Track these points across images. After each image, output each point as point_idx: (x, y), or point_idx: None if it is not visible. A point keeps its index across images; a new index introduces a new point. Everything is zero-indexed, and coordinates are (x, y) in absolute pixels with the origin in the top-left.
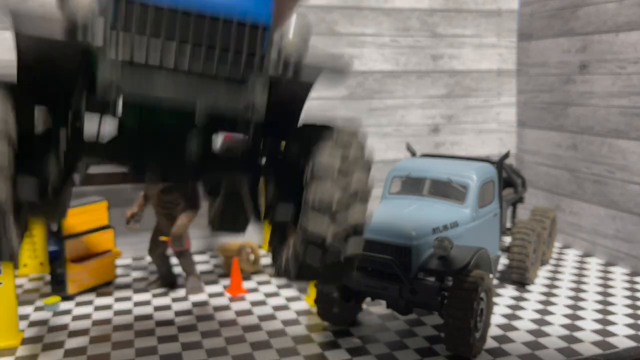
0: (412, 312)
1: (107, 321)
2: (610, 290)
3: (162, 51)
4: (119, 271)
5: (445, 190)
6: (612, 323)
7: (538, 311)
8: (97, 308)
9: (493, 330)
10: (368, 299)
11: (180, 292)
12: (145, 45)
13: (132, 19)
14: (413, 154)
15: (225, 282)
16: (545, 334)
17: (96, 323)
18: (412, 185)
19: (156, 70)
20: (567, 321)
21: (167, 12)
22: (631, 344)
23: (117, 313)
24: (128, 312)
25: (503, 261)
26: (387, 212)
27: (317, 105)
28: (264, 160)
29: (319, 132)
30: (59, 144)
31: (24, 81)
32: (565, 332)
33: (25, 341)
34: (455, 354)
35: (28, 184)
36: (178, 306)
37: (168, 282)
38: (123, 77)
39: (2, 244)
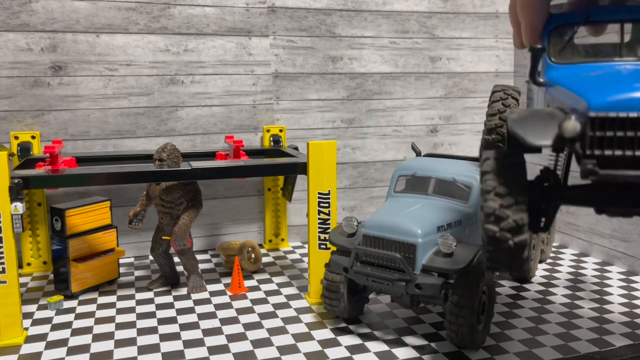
0: (416, 306)
1: (110, 319)
2: (606, 289)
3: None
4: (121, 270)
5: (449, 189)
6: (608, 321)
7: (535, 309)
8: (100, 306)
9: (491, 328)
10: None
11: (182, 291)
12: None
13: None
14: (418, 153)
15: (227, 280)
16: (542, 332)
17: (99, 321)
18: (417, 184)
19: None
20: (564, 319)
21: None
22: (627, 342)
23: (120, 311)
24: (131, 310)
25: None
26: (393, 210)
27: (317, 106)
28: None
29: None
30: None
31: (522, 161)
32: (561, 329)
33: (29, 339)
34: (455, 350)
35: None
36: (180, 304)
37: (170, 280)
38: (598, 164)
39: (521, 265)
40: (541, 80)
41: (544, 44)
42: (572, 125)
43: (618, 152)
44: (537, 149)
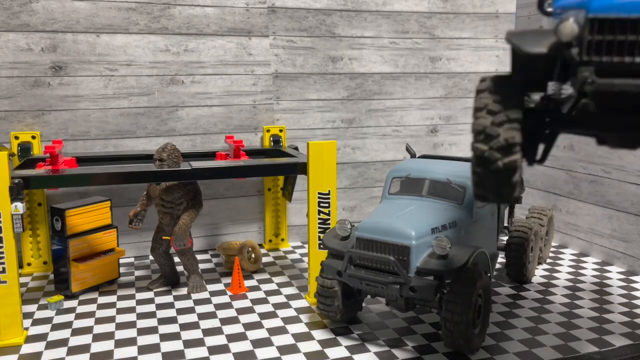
0: (411, 309)
1: (110, 319)
2: (606, 289)
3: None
4: (122, 270)
5: (444, 190)
6: (608, 321)
7: (535, 309)
8: (100, 306)
9: (490, 328)
10: (367, 297)
11: (182, 291)
12: (617, 48)
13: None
14: (412, 155)
15: (227, 280)
16: (542, 332)
17: (99, 321)
18: (411, 186)
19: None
20: (564, 319)
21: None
22: (627, 342)
23: (120, 311)
24: (131, 310)
25: (501, 260)
26: (387, 212)
27: (317, 106)
28: None
29: None
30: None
31: (519, 79)
32: (561, 330)
33: (29, 339)
34: (454, 351)
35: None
36: (180, 304)
37: (170, 280)
38: (595, 73)
39: (511, 192)
40: (549, 10)
41: None
42: (570, 26)
43: (617, 59)
44: (535, 59)
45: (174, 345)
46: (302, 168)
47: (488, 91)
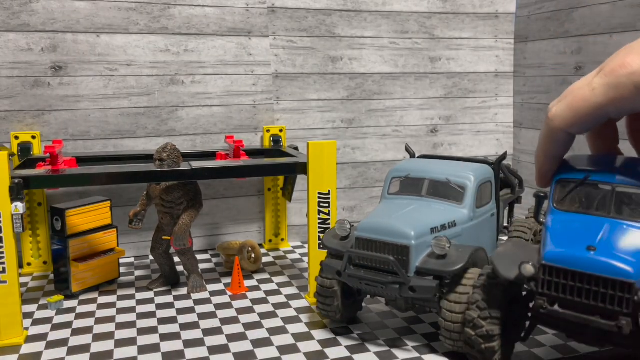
0: (411, 309)
1: (110, 319)
2: None
3: None
4: (122, 270)
5: (443, 190)
6: None
7: None
8: (100, 306)
9: None
10: (367, 297)
11: (182, 290)
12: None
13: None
14: (412, 155)
15: (227, 280)
16: (542, 332)
17: (99, 321)
18: (411, 186)
19: None
20: None
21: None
22: None
23: (120, 311)
24: (131, 310)
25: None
26: (386, 212)
27: (317, 106)
28: None
29: None
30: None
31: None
32: None
33: (29, 339)
34: (452, 350)
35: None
36: (180, 304)
37: (170, 280)
38: (548, 302)
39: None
40: (542, 220)
41: (551, 190)
42: (529, 269)
43: (562, 295)
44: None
45: (174, 345)
46: (302, 168)
47: (481, 289)
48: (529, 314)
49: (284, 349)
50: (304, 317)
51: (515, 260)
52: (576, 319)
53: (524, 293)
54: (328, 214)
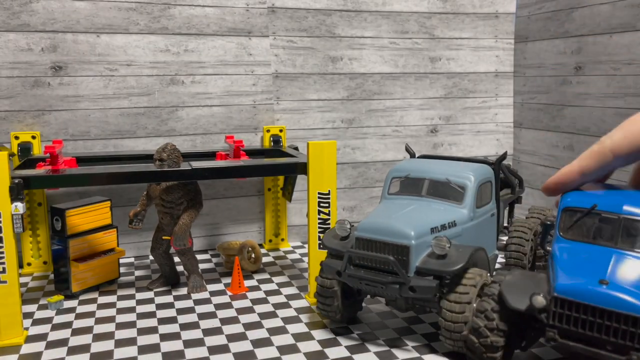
0: (410, 309)
1: (110, 319)
2: None
3: None
4: (122, 270)
5: (443, 190)
6: None
7: None
8: (101, 306)
9: None
10: (367, 297)
11: (182, 290)
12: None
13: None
14: (412, 155)
15: (227, 280)
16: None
17: (99, 321)
18: (411, 186)
19: None
20: None
21: None
22: None
23: (120, 311)
24: (131, 310)
25: (501, 260)
26: (387, 212)
27: (317, 106)
28: None
29: None
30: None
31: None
32: None
33: (29, 339)
34: (452, 350)
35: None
36: (180, 304)
37: (170, 280)
38: (558, 334)
39: None
40: (548, 248)
41: (557, 218)
42: (540, 300)
43: (573, 328)
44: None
45: (174, 345)
46: (302, 168)
47: (491, 298)
48: (535, 327)
49: (284, 349)
50: (304, 317)
51: (525, 291)
52: (586, 352)
53: None
54: (328, 214)
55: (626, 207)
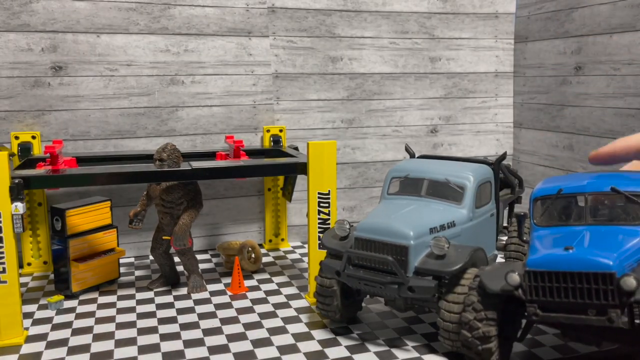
0: (410, 309)
1: (110, 319)
2: None
3: None
4: (122, 270)
5: (443, 190)
6: None
7: None
8: (101, 306)
9: None
10: (367, 297)
11: (182, 290)
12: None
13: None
14: (411, 155)
15: (227, 280)
16: (542, 332)
17: (99, 321)
18: (410, 186)
19: None
20: None
21: None
22: None
23: (120, 311)
24: (131, 309)
25: (500, 260)
26: (386, 212)
27: (317, 106)
28: None
29: None
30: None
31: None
32: None
33: (29, 339)
34: (451, 350)
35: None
36: (180, 304)
37: (170, 280)
38: (539, 308)
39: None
40: (525, 239)
41: (530, 209)
42: (514, 277)
43: (550, 299)
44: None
45: (174, 345)
46: (302, 168)
47: (476, 291)
48: (525, 314)
49: (284, 349)
50: (304, 317)
51: (501, 274)
52: (568, 320)
53: None
54: (328, 214)
55: (589, 185)
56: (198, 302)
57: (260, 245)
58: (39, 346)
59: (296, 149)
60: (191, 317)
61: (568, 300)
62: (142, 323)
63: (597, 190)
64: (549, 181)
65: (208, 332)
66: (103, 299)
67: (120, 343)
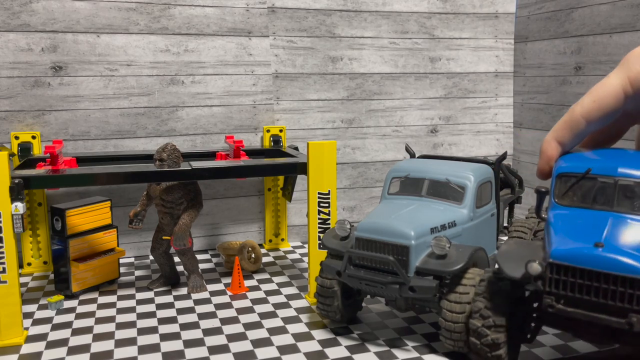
0: (410, 309)
1: (110, 319)
2: None
3: None
4: (122, 270)
5: (443, 190)
6: None
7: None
8: (101, 306)
9: None
10: (367, 297)
11: (182, 290)
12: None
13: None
14: (412, 155)
15: (227, 280)
16: (542, 332)
17: (99, 321)
18: (410, 186)
19: None
20: None
21: None
22: None
23: (120, 311)
24: (131, 309)
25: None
26: (386, 212)
27: (317, 106)
28: None
29: None
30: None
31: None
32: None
33: (29, 339)
34: (452, 350)
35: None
36: (180, 304)
37: (170, 280)
38: (556, 300)
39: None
40: (544, 216)
41: (552, 184)
42: (535, 267)
43: (570, 294)
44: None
45: (174, 345)
46: (302, 168)
47: (483, 296)
48: (534, 315)
49: (284, 349)
50: (304, 317)
51: (520, 259)
52: (585, 317)
53: (527, 294)
54: (328, 214)
55: (621, 170)
56: (198, 302)
57: (260, 245)
58: (39, 346)
59: (296, 149)
60: (191, 317)
61: (589, 298)
62: (142, 323)
63: (630, 177)
64: (576, 158)
65: (208, 332)
66: (103, 299)
67: (120, 343)
